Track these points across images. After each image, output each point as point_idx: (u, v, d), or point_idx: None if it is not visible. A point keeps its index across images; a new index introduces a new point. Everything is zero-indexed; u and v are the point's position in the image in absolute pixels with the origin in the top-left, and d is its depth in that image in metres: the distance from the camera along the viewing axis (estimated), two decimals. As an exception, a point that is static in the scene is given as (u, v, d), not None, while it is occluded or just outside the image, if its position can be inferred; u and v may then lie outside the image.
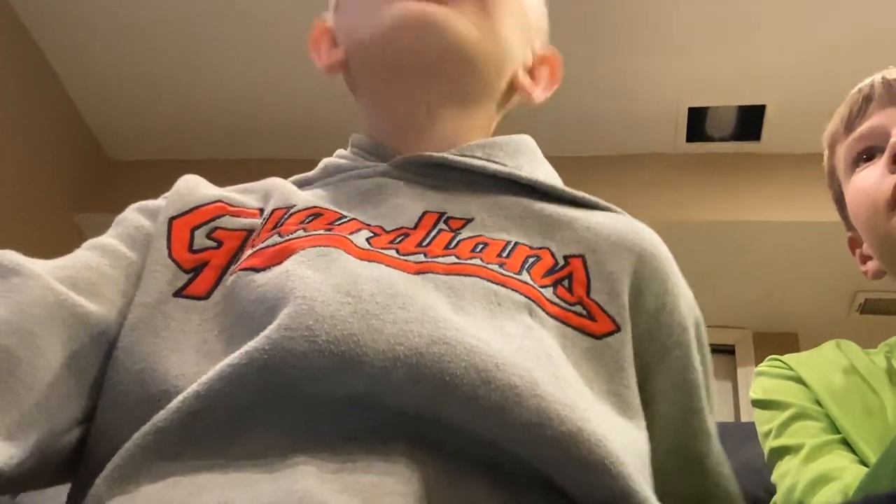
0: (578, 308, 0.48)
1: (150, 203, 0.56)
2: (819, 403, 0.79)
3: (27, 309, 0.41)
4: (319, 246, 0.46)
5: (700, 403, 0.53)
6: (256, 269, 0.46)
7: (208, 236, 0.52)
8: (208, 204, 0.54)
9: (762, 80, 2.40)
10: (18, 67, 2.58)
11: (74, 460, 0.44)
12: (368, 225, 0.51)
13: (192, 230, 0.52)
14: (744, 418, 2.65)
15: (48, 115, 2.72)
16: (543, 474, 0.38)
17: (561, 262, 0.51)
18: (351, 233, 0.49)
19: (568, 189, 0.58)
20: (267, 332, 0.38)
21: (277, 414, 0.37)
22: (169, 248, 0.50)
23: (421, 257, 0.47)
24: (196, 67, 2.61)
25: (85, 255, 0.49)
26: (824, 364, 0.85)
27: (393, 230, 0.51)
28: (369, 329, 0.39)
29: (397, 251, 0.48)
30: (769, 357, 0.92)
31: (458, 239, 0.50)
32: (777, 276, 2.68)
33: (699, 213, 2.55)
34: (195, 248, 0.51)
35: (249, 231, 0.52)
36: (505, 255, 0.49)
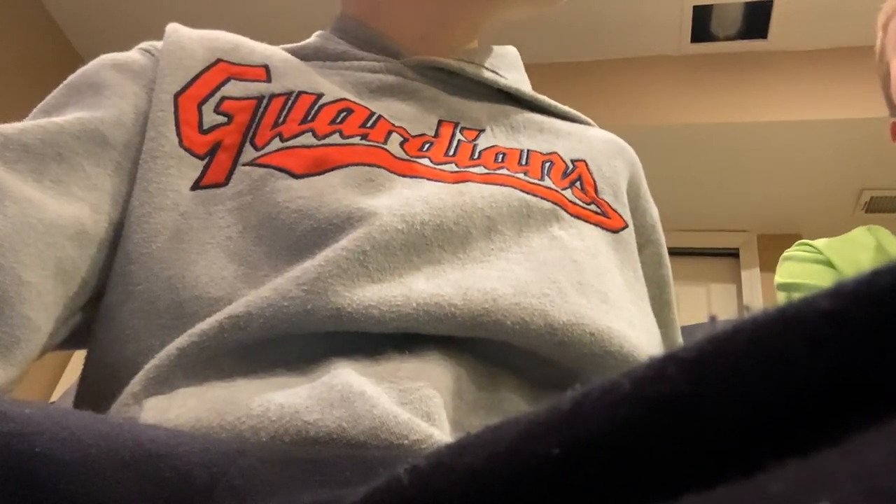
0: (594, 207, 0.51)
1: (127, 59, 0.50)
2: None
3: None
4: (362, 164, 0.45)
5: (670, 297, 0.59)
6: (293, 174, 0.44)
7: (216, 110, 0.48)
8: (210, 67, 0.50)
9: (770, -27, 2.32)
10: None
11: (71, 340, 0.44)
12: (394, 125, 0.50)
13: (200, 106, 0.48)
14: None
15: (18, 14, 2.65)
16: (569, 374, 0.40)
17: (570, 166, 0.53)
18: (384, 139, 0.48)
19: (560, 105, 0.61)
20: (325, 253, 0.38)
21: (316, 329, 0.38)
22: (179, 134, 0.46)
23: (453, 166, 0.48)
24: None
25: (59, 138, 0.43)
26: (853, 246, 0.86)
27: (417, 136, 0.50)
28: (418, 262, 0.40)
29: (430, 160, 0.48)
30: (798, 242, 0.92)
31: (478, 149, 0.51)
32: (781, 178, 2.66)
33: (704, 115, 2.51)
34: (205, 127, 0.47)
35: (259, 99, 0.49)
36: (524, 162, 0.51)
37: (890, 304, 0.12)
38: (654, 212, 0.60)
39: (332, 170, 0.44)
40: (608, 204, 0.53)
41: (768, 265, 2.85)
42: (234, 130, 0.47)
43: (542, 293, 0.40)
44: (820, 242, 0.89)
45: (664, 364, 0.14)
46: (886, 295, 0.12)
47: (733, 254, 2.96)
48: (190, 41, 0.51)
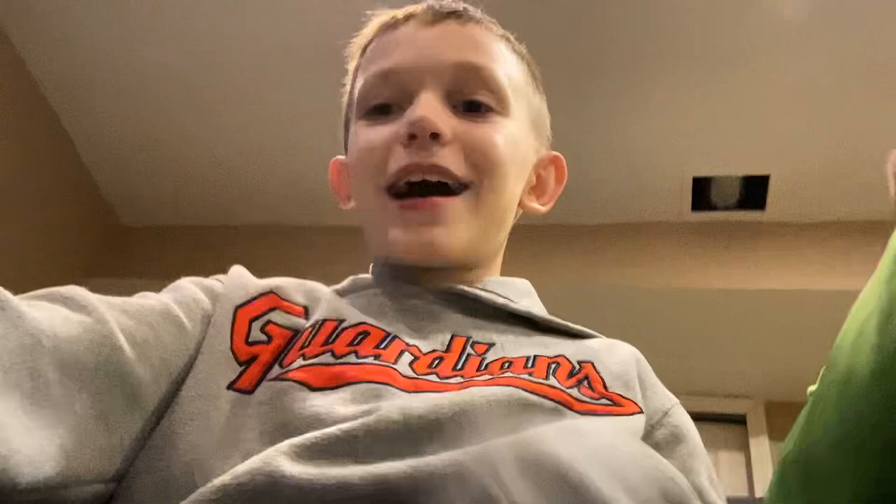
0: (604, 401, 0.54)
1: (204, 280, 0.60)
2: None
3: (81, 355, 0.43)
4: (371, 382, 0.50)
5: (694, 465, 0.59)
6: (310, 387, 0.49)
7: (262, 329, 0.56)
8: (263, 295, 0.59)
9: (765, 149, 2.43)
10: (34, 134, 2.65)
11: None
12: (408, 345, 0.56)
13: (251, 321, 0.56)
14: (758, 493, 2.58)
15: (62, 180, 2.78)
16: None
17: (577, 366, 0.57)
18: (395, 359, 0.53)
19: (572, 324, 0.66)
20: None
21: None
22: (232, 339, 0.54)
23: (459, 379, 0.53)
24: (206, 135, 2.67)
25: (149, 312, 0.51)
26: None
27: (429, 352, 0.56)
28: (410, 455, 0.41)
29: (437, 375, 0.53)
30: None
31: (486, 361, 0.56)
32: (785, 344, 2.65)
33: (705, 281, 2.55)
34: (250, 340, 0.54)
35: (295, 332, 0.57)
36: (530, 365, 0.56)
37: None
38: (665, 401, 0.61)
39: (345, 385, 0.49)
40: (619, 394, 0.56)
41: (778, 433, 2.77)
42: (271, 351, 0.54)
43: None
44: None
45: None
46: None
47: (741, 420, 2.89)
48: (250, 277, 0.62)
